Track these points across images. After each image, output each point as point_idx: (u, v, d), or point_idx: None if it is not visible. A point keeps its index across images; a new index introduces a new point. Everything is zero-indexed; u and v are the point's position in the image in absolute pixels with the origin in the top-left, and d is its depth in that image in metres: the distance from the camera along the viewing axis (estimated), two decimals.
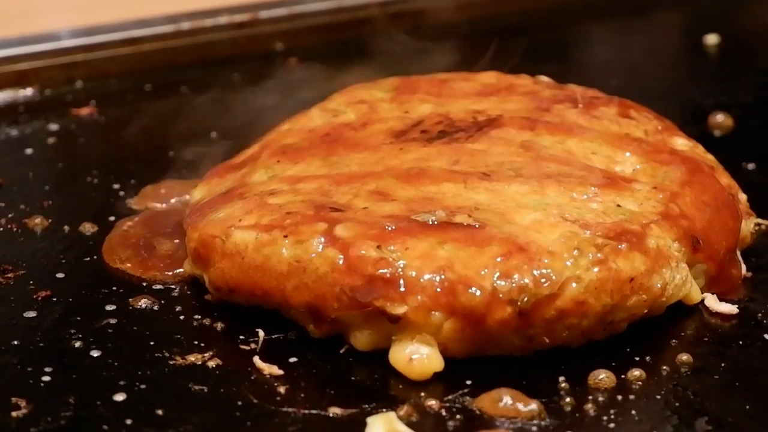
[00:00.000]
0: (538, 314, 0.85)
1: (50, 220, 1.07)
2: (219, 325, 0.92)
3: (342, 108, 1.09)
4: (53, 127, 1.26)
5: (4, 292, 0.97)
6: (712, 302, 0.94)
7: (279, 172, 1.00)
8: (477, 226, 0.89)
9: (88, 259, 1.01)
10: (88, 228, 1.05)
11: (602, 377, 0.86)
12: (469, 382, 0.86)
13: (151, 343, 0.90)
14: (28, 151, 1.21)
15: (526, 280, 0.85)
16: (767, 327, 0.92)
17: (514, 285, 0.85)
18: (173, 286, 0.97)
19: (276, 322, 0.91)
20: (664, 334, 0.91)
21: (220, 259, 0.92)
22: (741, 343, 0.90)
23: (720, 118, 1.24)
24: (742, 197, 1.02)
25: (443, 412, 0.83)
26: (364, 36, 1.40)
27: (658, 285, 0.89)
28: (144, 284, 0.97)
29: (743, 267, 0.97)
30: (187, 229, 0.96)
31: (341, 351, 0.89)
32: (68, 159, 1.21)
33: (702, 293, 0.94)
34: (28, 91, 1.32)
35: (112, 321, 0.93)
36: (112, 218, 1.06)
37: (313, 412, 0.83)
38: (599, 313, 0.87)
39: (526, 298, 0.85)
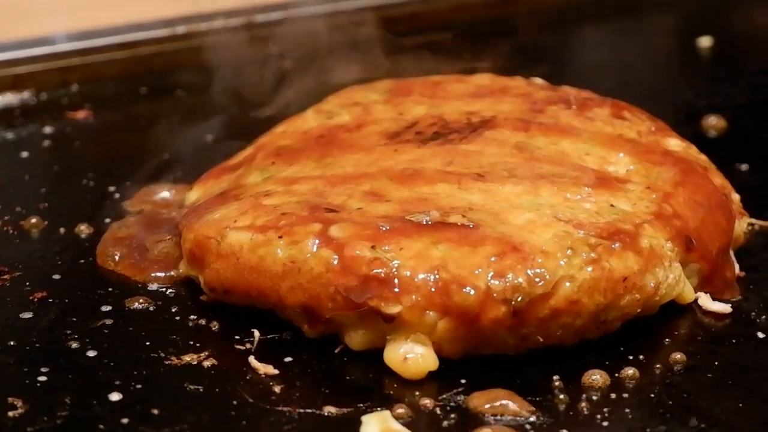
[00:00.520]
0: (532, 313, 0.86)
1: (46, 222, 1.07)
2: (214, 326, 0.93)
3: (336, 110, 1.10)
4: (49, 130, 1.26)
5: (1, 293, 0.97)
6: (706, 301, 0.95)
7: (274, 173, 1.01)
8: (471, 226, 0.89)
9: (84, 260, 1.01)
10: (83, 230, 1.06)
11: (596, 376, 0.86)
12: (463, 381, 0.86)
13: (147, 343, 0.91)
14: (24, 154, 1.22)
15: (520, 280, 0.86)
16: (760, 326, 0.92)
17: (507, 284, 0.85)
18: (169, 287, 0.97)
19: (271, 323, 0.91)
20: (658, 333, 0.92)
21: (215, 260, 0.92)
22: (734, 341, 0.91)
23: (713, 120, 1.24)
24: (735, 197, 1.03)
25: (438, 411, 0.83)
26: (359, 39, 1.40)
27: (652, 284, 0.89)
28: (139, 285, 0.97)
29: (736, 266, 0.98)
30: (183, 230, 0.97)
31: (336, 351, 0.89)
32: (64, 161, 1.21)
33: (695, 292, 0.95)
34: (24, 95, 1.32)
35: (108, 321, 0.93)
36: (107, 220, 1.07)
37: (308, 411, 0.84)
38: (593, 312, 0.87)
39: (519, 298, 0.85)
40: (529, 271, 0.86)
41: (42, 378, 0.87)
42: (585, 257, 0.87)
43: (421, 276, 0.86)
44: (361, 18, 1.44)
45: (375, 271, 0.86)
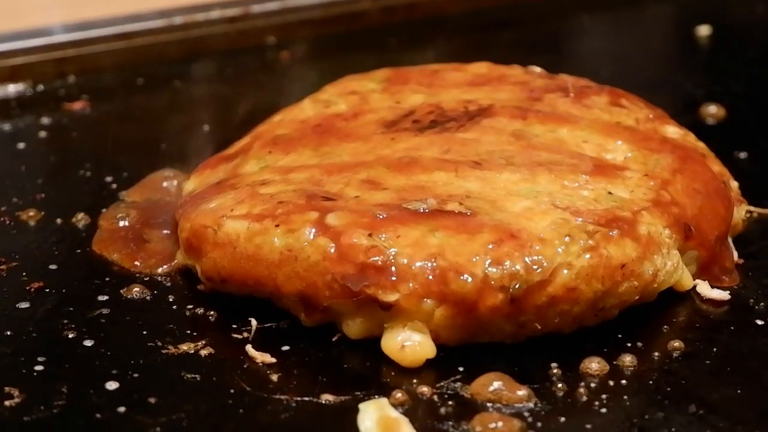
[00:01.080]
0: (530, 301, 0.86)
1: (43, 213, 1.07)
2: (211, 315, 0.92)
3: (334, 99, 1.10)
4: (46, 121, 1.26)
5: None
6: (704, 289, 0.94)
7: (271, 162, 1.00)
8: (468, 213, 0.89)
9: (81, 250, 1.01)
10: (80, 220, 1.05)
11: (594, 363, 0.86)
12: (461, 369, 0.86)
13: (144, 332, 0.90)
14: (21, 145, 1.21)
15: (518, 267, 0.85)
16: (758, 313, 0.92)
17: (505, 272, 0.85)
18: (166, 277, 0.97)
19: (268, 311, 0.91)
20: (656, 321, 0.91)
21: (212, 249, 0.92)
22: (732, 328, 0.91)
23: (712, 108, 1.24)
24: (734, 185, 1.03)
25: (435, 399, 0.83)
26: (356, 29, 1.40)
27: (650, 271, 0.89)
28: (136, 275, 0.97)
29: (735, 254, 0.98)
30: (179, 219, 0.97)
31: (333, 339, 0.89)
32: (61, 152, 1.21)
33: (694, 280, 0.94)
34: (21, 86, 1.32)
35: (105, 311, 0.93)
36: (104, 210, 1.06)
37: (306, 399, 0.83)
38: (590, 300, 0.87)
39: (517, 285, 0.85)
40: (526, 259, 0.86)
41: (39, 367, 0.86)
42: (583, 244, 0.87)
43: (418, 264, 0.86)
44: (360, 8, 1.44)
45: (372, 259, 0.86)
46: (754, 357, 0.88)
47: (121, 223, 1.03)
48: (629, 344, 0.88)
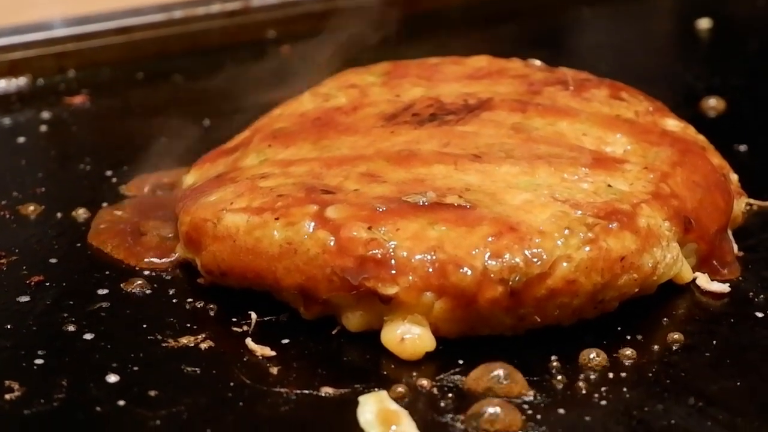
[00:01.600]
0: (529, 293, 0.86)
1: (43, 207, 1.07)
2: (211, 308, 0.92)
3: (333, 92, 1.10)
4: (46, 115, 1.26)
5: None
6: (704, 281, 0.94)
7: (270, 156, 1.01)
8: (468, 206, 0.89)
9: (81, 244, 1.01)
10: (80, 214, 1.06)
11: (593, 356, 0.86)
12: (460, 362, 0.86)
13: (144, 326, 0.90)
14: (21, 139, 1.22)
15: (517, 260, 0.85)
16: (758, 305, 0.92)
17: (505, 264, 0.85)
18: (166, 270, 0.97)
19: (268, 305, 0.91)
20: (656, 313, 0.91)
21: (211, 243, 0.92)
22: (732, 321, 0.91)
23: (712, 101, 1.24)
24: (734, 177, 1.03)
25: (435, 391, 0.83)
26: (356, 23, 1.40)
27: (649, 264, 0.89)
28: (136, 269, 0.97)
29: (735, 246, 0.98)
30: (179, 213, 0.97)
31: (333, 332, 0.89)
32: (61, 147, 1.21)
33: (694, 273, 0.94)
34: (21, 81, 1.32)
35: (105, 305, 0.93)
36: (104, 204, 1.07)
37: (306, 392, 0.83)
38: (590, 292, 0.87)
39: (517, 278, 0.85)
40: (526, 251, 0.86)
41: (39, 361, 0.87)
42: (582, 237, 0.87)
43: (417, 257, 0.86)
44: (360, 2, 1.44)
45: (372, 252, 0.86)
46: (754, 349, 0.88)
47: (116, 218, 1.04)
48: (629, 337, 0.88)
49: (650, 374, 0.85)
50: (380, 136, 1.00)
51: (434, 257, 0.86)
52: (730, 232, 0.98)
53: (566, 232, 0.87)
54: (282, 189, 0.92)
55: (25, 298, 0.94)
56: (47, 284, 0.96)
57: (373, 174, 0.93)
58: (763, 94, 1.28)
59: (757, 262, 0.97)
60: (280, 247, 0.88)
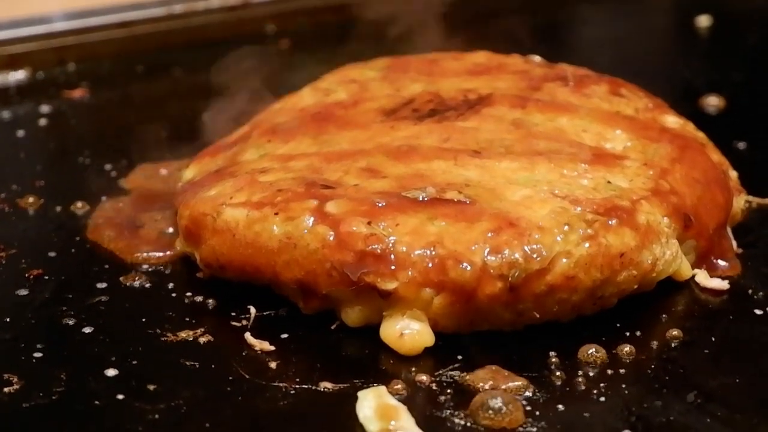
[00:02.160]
0: (528, 289, 0.86)
1: (42, 200, 1.07)
2: (210, 302, 0.92)
3: (333, 87, 1.10)
4: (45, 108, 1.26)
5: None
6: (703, 278, 0.94)
7: (270, 150, 1.00)
8: (467, 202, 0.89)
9: (80, 238, 1.01)
10: (79, 207, 1.05)
11: (592, 352, 0.86)
12: (459, 357, 0.86)
13: (143, 319, 0.90)
14: (20, 132, 1.22)
15: (517, 255, 0.85)
16: (757, 302, 0.92)
17: (504, 260, 0.85)
18: (165, 264, 0.97)
19: (267, 299, 0.91)
20: (655, 310, 0.91)
21: (211, 237, 0.92)
22: (731, 318, 0.91)
23: (711, 98, 1.24)
24: (733, 174, 1.03)
25: (434, 387, 0.83)
26: (356, 17, 1.40)
27: (648, 260, 0.89)
28: (136, 262, 0.97)
29: (734, 243, 0.98)
30: (179, 207, 0.97)
31: (332, 327, 0.89)
32: (60, 140, 1.21)
33: (693, 269, 0.94)
34: (20, 74, 1.32)
35: (104, 298, 0.93)
36: (103, 198, 1.07)
37: (304, 387, 0.83)
38: (589, 288, 0.87)
39: (516, 273, 0.85)
40: (525, 247, 0.86)
41: (38, 354, 0.87)
42: (582, 233, 0.87)
43: (417, 252, 0.86)
44: None
45: (371, 247, 0.86)
46: (753, 346, 0.88)
47: (115, 212, 1.03)
48: (628, 333, 0.89)
49: (649, 370, 0.85)
50: (380, 131, 0.99)
51: (434, 252, 0.85)
52: (729, 229, 0.98)
53: (566, 228, 0.87)
54: (282, 183, 0.92)
55: (23, 292, 0.94)
56: (46, 277, 0.96)
57: (372, 169, 0.93)
58: (762, 91, 1.29)
59: (757, 259, 0.97)
60: (279, 241, 0.88)
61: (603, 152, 0.97)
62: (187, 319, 0.91)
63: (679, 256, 0.92)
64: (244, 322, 0.90)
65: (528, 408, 0.81)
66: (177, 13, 1.40)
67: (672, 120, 1.04)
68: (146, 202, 1.04)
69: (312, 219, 0.88)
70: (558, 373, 0.84)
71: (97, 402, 0.82)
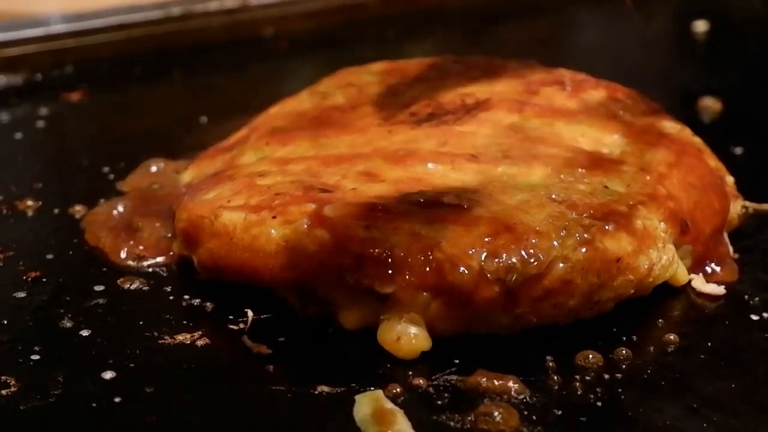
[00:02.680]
0: (525, 293, 0.86)
1: (40, 202, 1.07)
2: (208, 305, 0.92)
3: (331, 91, 1.10)
4: (43, 111, 1.26)
5: None
6: (699, 283, 0.94)
7: (268, 153, 1.01)
8: (465, 206, 0.89)
9: (78, 240, 1.01)
10: (77, 210, 1.06)
11: (589, 357, 0.86)
12: (456, 362, 0.86)
13: (140, 322, 0.91)
14: (18, 135, 1.22)
15: (514, 260, 0.85)
16: (753, 307, 0.92)
17: (501, 264, 0.85)
18: (162, 267, 0.97)
19: (265, 303, 0.91)
20: (651, 315, 0.92)
21: (208, 240, 0.92)
22: (727, 323, 0.91)
23: (708, 103, 1.24)
24: (729, 180, 1.03)
25: (431, 391, 0.83)
26: (354, 21, 1.40)
27: (645, 265, 0.89)
28: (133, 265, 0.97)
29: (730, 248, 0.98)
30: (177, 210, 0.97)
31: (329, 330, 0.89)
32: (58, 142, 1.22)
33: (689, 274, 0.95)
34: (19, 76, 1.32)
35: (102, 301, 0.93)
36: (101, 200, 1.07)
37: (302, 390, 0.83)
38: (586, 293, 0.87)
39: (513, 277, 0.85)
40: (522, 251, 0.86)
41: (35, 357, 0.87)
42: (579, 238, 0.87)
43: (414, 255, 0.86)
44: (359, 0, 1.44)
45: (369, 250, 0.86)
46: (749, 351, 0.88)
47: (114, 213, 1.04)
48: (624, 338, 0.89)
49: (645, 375, 0.85)
50: (378, 135, 1.00)
51: (431, 256, 0.86)
52: (725, 235, 0.98)
53: (563, 232, 0.87)
54: (280, 187, 0.92)
55: (21, 294, 0.94)
56: (44, 280, 0.96)
57: (370, 173, 0.94)
58: (759, 97, 1.29)
59: (753, 264, 0.97)
60: (277, 245, 0.89)
61: (600, 157, 0.97)
62: (185, 322, 0.91)
63: (676, 261, 0.93)
64: (242, 326, 0.90)
65: (525, 412, 0.81)
66: (175, 15, 1.40)
67: (669, 125, 1.05)
68: (144, 205, 1.04)
69: (310, 222, 0.88)
70: (555, 378, 0.84)
71: (94, 404, 0.82)
